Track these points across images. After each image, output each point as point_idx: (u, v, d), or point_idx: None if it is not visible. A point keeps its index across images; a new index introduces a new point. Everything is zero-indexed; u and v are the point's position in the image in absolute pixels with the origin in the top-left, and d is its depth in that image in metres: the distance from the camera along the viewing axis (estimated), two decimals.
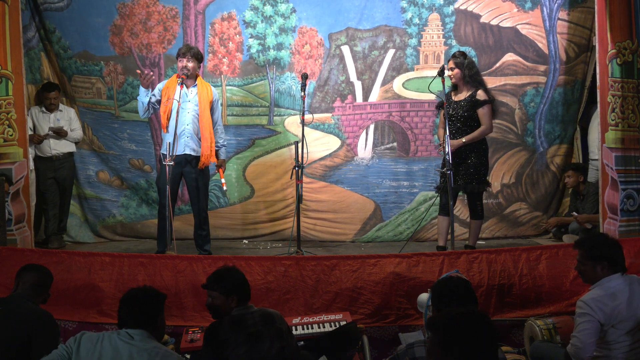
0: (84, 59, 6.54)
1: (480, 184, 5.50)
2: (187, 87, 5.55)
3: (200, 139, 5.56)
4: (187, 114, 5.51)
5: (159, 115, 5.69)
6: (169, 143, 5.24)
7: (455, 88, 5.61)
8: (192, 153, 5.57)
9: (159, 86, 5.64)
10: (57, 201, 6.33)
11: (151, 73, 5.49)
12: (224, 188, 5.78)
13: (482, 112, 5.43)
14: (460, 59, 5.50)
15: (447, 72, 5.51)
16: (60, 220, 6.38)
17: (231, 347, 3.18)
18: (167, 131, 5.46)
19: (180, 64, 5.51)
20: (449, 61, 5.59)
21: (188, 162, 5.56)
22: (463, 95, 5.51)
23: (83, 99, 6.65)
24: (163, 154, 5.36)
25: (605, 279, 3.40)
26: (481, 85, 5.52)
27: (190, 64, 5.49)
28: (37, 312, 3.39)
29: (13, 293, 3.51)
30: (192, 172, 5.58)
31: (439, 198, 5.69)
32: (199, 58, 5.61)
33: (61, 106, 6.36)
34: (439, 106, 5.60)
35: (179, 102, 5.46)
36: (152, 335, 2.99)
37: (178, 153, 5.39)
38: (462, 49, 6.46)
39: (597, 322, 3.27)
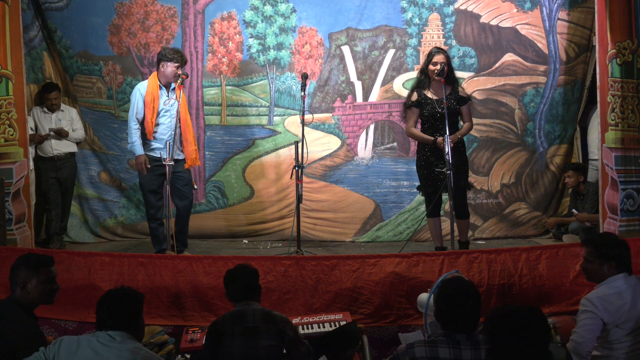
0: (84, 59, 6.55)
1: (466, 180, 5.47)
2: (167, 91, 5.60)
3: (182, 142, 5.63)
4: (173, 118, 5.53)
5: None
6: (169, 143, 5.36)
7: (427, 85, 5.44)
8: (181, 156, 5.66)
9: (141, 91, 5.55)
10: (59, 201, 6.33)
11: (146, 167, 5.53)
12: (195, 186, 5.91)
13: (466, 109, 5.43)
14: (447, 55, 5.43)
15: (433, 67, 5.34)
16: (61, 220, 6.39)
17: (227, 339, 3.26)
18: (154, 137, 5.52)
19: (177, 71, 5.52)
20: (436, 55, 5.39)
21: (176, 163, 5.60)
22: (445, 92, 5.28)
23: (84, 99, 6.66)
24: (154, 156, 5.47)
25: (611, 278, 3.40)
26: (457, 82, 5.48)
27: (180, 71, 5.56)
28: (23, 325, 3.14)
29: (6, 298, 3.28)
30: (179, 171, 5.64)
31: (425, 201, 5.61)
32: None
33: (63, 106, 6.36)
34: (412, 105, 5.43)
35: (179, 102, 5.50)
36: (133, 336, 2.92)
37: (170, 155, 5.46)
38: (462, 49, 6.48)
39: (599, 319, 3.27)
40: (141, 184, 5.70)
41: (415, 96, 5.46)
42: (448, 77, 5.39)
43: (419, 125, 5.54)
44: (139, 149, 5.53)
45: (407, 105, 5.53)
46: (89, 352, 2.81)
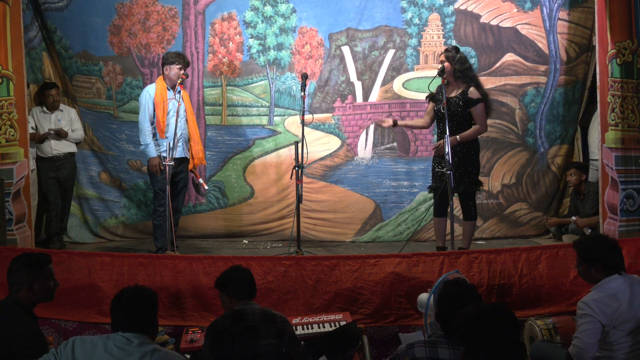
0: (84, 59, 6.55)
1: (472, 184, 5.36)
2: (174, 93, 5.68)
3: (189, 142, 5.80)
4: (181, 119, 5.62)
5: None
6: (169, 144, 5.40)
7: (448, 84, 5.38)
8: (187, 155, 5.80)
9: (150, 93, 5.64)
10: (59, 201, 6.33)
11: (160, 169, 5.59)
12: (206, 187, 5.99)
13: (476, 111, 5.25)
14: (451, 53, 5.33)
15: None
16: (60, 220, 6.39)
17: (228, 338, 3.25)
18: (166, 137, 5.60)
19: (180, 72, 5.62)
20: (440, 54, 5.45)
21: (181, 163, 5.75)
22: (454, 92, 5.32)
23: (84, 99, 6.66)
24: (163, 155, 5.51)
25: (606, 279, 3.38)
26: (473, 81, 5.32)
27: (183, 72, 5.67)
28: (23, 325, 3.11)
29: (5, 298, 3.26)
30: (182, 173, 5.80)
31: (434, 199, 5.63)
32: None
33: (62, 106, 6.37)
34: (428, 97, 5.49)
35: (178, 102, 5.60)
36: (149, 337, 2.87)
37: (178, 156, 5.57)
38: (462, 49, 6.44)
39: (598, 322, 3.26)
40: (154, 182, 5.76)
41: (436, 90, 5.43)
42: (457, 75, 5.31)
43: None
44: (153, 152, 5.60)
45: (426, 97, 5.61)
46: (106, 356, 2.75)
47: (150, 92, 5.66)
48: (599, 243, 3.49)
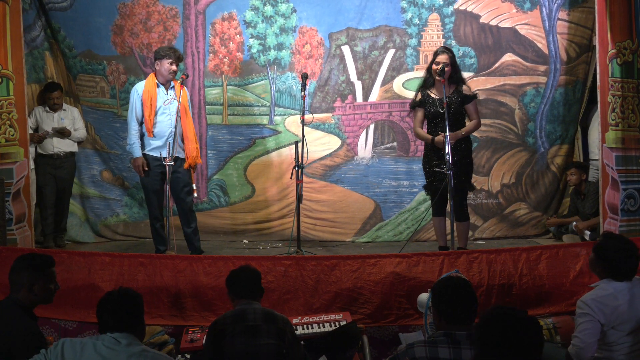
0: (88, 58, 6.57)
1: (466, 181, 5.36)
2: (166, 90, 5.60)
3: (183, 141, 5.62)
4: (172, 117, 5.53)
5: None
6: (169, 143, 5.36)
7: (432, 84, 5.39)
8: (181, 155, 5.62)
9: (138, 91, 5.56)
10: (53, 198, 6.29)
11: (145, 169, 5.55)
12: (195, 195, 5.81)
13: (472, 108, 5.34)
14: (452, 55, 5.36)
15: (435, 66, 5.29)
16: (60, 220, 6.38)
17: (228, 336, 3.28)
18: (154, 135, 5.52)
19: (172, 68, 5.51)
20: (440, 55, 5.34)
21: (175, 163, 5.57)
22: (448, 92, 5.28)
23: (87, 98, 6.68)
24: (155, 156, 5.48)
25: (607, 279, 3.38)
26: (463, 82, 5.40)
27: (175, 67, 5.56)
28: (23, 325, 3.11)
29: (5, 299, 3.26)
30: (178, 171, 5.59)
31: (431, 199, 5.61)
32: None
33: (65, 106, 6.38)
34: (415, 105, 5.43)
35: (171, 98, 5.53)
36: (137, 337, 2.90)
37: (170, 155, 5.45)
38: (462, 49, 6.47)
39: (597, 322, 3.26)
40: (144, 185, 5.70)
41: (419, 96, 5.43)
42: (452, 76, 5.34)
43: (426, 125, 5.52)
44: (137, 151, 5.54)
45: (412, 105, 5.52)
46: (95, 356, 2.77)
47: (138, 90, 5.57)
48: (618, 246, 3.40)
